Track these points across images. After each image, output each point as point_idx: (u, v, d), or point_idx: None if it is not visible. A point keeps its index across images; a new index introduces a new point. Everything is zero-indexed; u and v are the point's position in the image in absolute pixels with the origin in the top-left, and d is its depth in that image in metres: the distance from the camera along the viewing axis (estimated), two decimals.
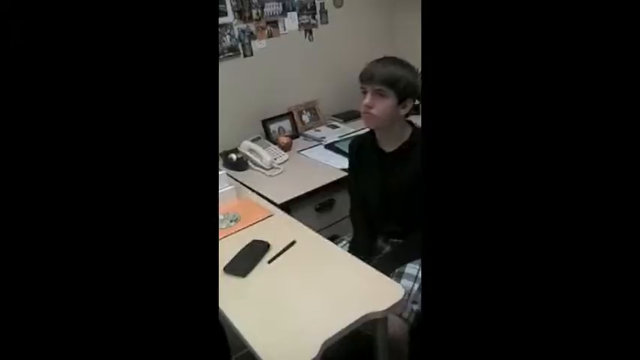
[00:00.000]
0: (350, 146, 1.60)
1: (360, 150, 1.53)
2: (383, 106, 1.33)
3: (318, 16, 2.37)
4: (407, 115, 1.39)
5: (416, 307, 1.34)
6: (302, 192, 1.75)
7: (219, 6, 2.03)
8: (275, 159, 2.01)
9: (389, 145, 1.43)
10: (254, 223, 1.52)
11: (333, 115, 2.50)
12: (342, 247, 1.54)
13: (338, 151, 2.06)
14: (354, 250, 1.47)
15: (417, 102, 1.39)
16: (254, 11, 2.14)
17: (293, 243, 1.36)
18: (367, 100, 1.35)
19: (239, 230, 1.49)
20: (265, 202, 1.68)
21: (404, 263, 1.41)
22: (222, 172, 1.73)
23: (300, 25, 2.32)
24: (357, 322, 1.05)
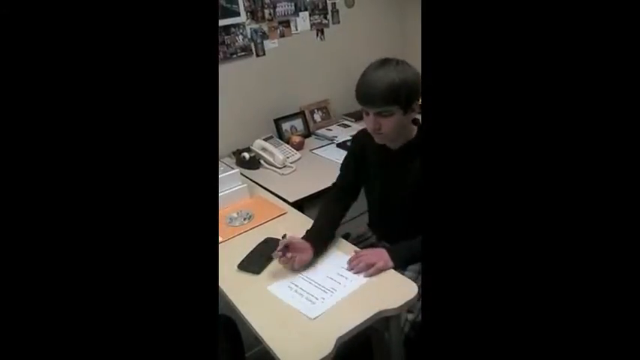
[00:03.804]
0: (353, 138, 1.52)
1: (365, 145, 1.43)
2: (391, 123, 1.24)
3: (329, 16, 2.38)
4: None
5: (411, 316, 1.28)
6: (314, 190, 1.76)
7: (232, 6, 2.04)
8: (287, 158, 2.02)
9: (393, 143, 1.36)
10: (267, 221, 1.54)
11: (345, 115, 2.50)
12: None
13: None
14: (308, 233, 1.33)
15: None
16: (266, 11, 2.15)
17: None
18: (371, 124, 1.25)
19: (252, 228, 1.51)
20: (278, 200, 1.70)
21: (415, 260, 1.31)
22: (235, 171, 1.75)
23: (311, 25, 2.33)
24: (370, 318, 1.06)
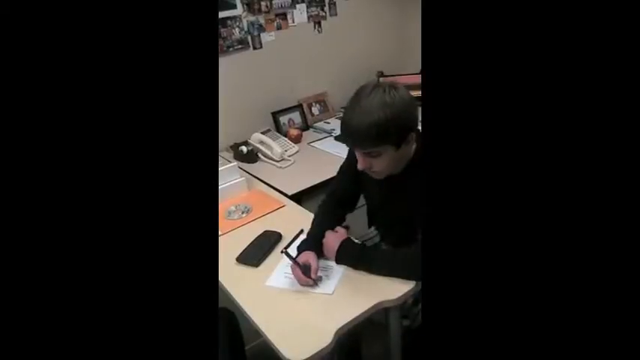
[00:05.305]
0: (350, 150, 1.34)
1: None
2: (383, 162, 1.11)
3: (326, 8, 2.37)
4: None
5: (406, 322, 1.28)
6: (313, 183, 1.76)
7: None
8: (285, 151, 2.01)
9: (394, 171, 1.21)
10: (265, 214, 1.54)
11: (343, 107, 2.48)
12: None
13: None
14: (308, 243, 1.25)
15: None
16: (263, 3, 2.14)
17: (302, 232, 1.36)
18: (360, 165, 1.13)
19: (251, 221, 1.51)
20: (276, 193, 1.70)
21: (359, 268, 1.20)
22: (234, 164, 1.75)
23: (309, 17, 2.32)
24: (369, 310, 1.06)
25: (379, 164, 1.12)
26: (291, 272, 1.19)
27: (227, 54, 2.08)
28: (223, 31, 2.05)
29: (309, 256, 1.18)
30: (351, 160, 1.31)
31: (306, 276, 1.14)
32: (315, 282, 1.15)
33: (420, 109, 1.10)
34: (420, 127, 1.15)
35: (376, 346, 1.37)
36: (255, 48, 2.17)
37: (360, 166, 1.14)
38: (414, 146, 1.17)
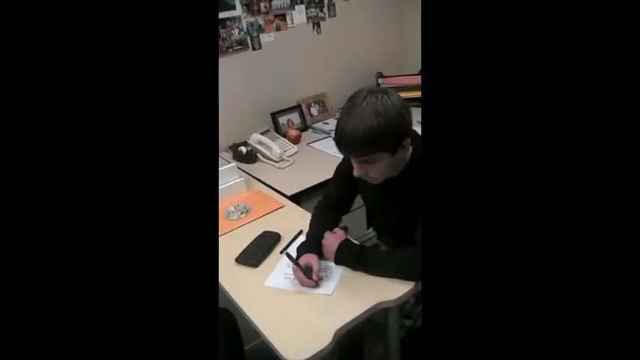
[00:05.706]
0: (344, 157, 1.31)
1: None
2: (379, 169, 1.13)
3: (325, 9, 2.37)
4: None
5: (409, 322, 1.29)
6: (312, 184, 1.75)
7: None
8: (284, 151, 2.01)
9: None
10: (265, 215, 1.54)
11: (342, 108, 2.49)
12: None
13: None
14: (303, 246, 1.25)
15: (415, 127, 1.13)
16: (262, 4, 2.14)
17: (301, 232, 1.38)
18: (356, 172, 1.15)
19: (250, 222, 1.51)
20: (275, 193, 1.70)
21: (356, 269, 1.20)
22: (233, 165, 1.75)
23: (308, 18, 2.32)
24: (368, 310, 1.06)
25: (375, 171, 1.14)
26: (290, 273, 1.19)
27: (226, 55, 2.08)
28: (222, 32, 2.05)
29: (310, 258, 1.19)
30: (347, 161, 1.30)
31: (308, 277, 1.14)
32: (317, 283, 1.15)
33: (412, 112, 1.13)
34: (416, 130, 1.16)
35: (378, 346, 1.37)
36: (254, 49, 2.17)
37: (356, 174, 1.16)
38: (410, 150, 1.18)
